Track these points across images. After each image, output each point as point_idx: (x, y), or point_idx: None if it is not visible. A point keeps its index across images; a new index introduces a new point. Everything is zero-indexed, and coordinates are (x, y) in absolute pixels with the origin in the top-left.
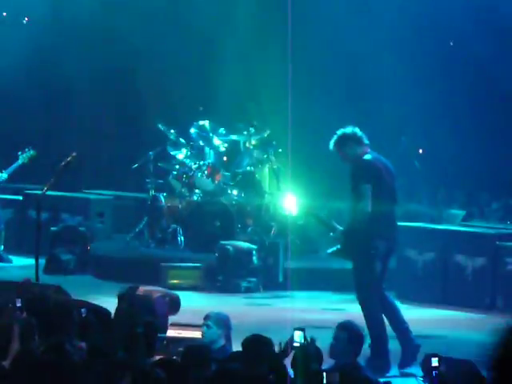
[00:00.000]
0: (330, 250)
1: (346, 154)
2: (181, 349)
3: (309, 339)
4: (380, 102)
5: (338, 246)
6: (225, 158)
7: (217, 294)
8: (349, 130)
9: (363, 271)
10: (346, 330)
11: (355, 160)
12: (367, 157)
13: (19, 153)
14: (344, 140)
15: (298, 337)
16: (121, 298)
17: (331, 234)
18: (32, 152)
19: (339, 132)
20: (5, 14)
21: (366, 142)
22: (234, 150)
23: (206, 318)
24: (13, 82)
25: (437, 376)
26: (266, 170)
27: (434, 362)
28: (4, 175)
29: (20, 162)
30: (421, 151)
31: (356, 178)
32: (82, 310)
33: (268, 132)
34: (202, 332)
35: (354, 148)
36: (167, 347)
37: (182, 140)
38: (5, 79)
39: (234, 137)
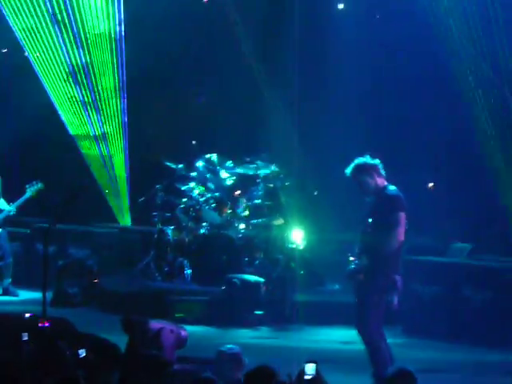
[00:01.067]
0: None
1: (367, 183)
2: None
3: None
4: (388, 134)
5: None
6: (238, 192)
7: (224, 327)
8: (370, 159)
9: (374, 303)
10: None
11: (377, 190)
12: (393, 187)
13: (27, 186)
14: (366, 168)
15: (311, 369)
16: (129, 332)
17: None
18: (40, 185)
19: (360, 160)
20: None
21: (384, 172)
22: (241, 183)
23: (219, 354)
24: None
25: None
26: (274, 203)
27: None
28: (12, 208)
29: (28, 195)
30: (431, 185)
31: (386, 207)
32: (80, 351)
33: (275, 165)
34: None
35: (374, 178)
36: (174, 381)
37: (189, 173)
38: None
39: (241, 170)
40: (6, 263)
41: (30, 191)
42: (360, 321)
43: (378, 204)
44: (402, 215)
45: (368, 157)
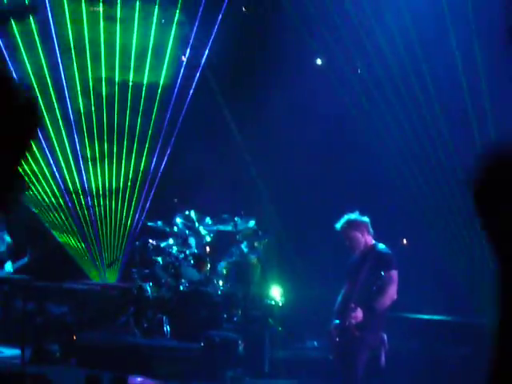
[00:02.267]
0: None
1: (357, 239)
2: None
3: None
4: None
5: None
6: (208, 249)
7: (203, 383)
8: (361, 216)
9: (363, 361)
10: None
11: (365, 248)
12: (382, 246)
13: (27, 250)
14: (357, 225)
15: None
16: None
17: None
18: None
19: (352, 216)
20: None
21: (372, 231)
22: (220, 240)
23: None
24: None
25: None
26: (252, 260)
27: None
28: (10, 269)
29: (28, 259)
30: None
31: (379, 265)
32: None
33: (254, 222)
34: None
35: (364, 235)
36: None
37: (168, 230)
38: None
39: (219, 227)
40: None
41: (29, 257)
42: (348, 378)
43: (368, 261)
44: (396, 273)
45: (358, 213)
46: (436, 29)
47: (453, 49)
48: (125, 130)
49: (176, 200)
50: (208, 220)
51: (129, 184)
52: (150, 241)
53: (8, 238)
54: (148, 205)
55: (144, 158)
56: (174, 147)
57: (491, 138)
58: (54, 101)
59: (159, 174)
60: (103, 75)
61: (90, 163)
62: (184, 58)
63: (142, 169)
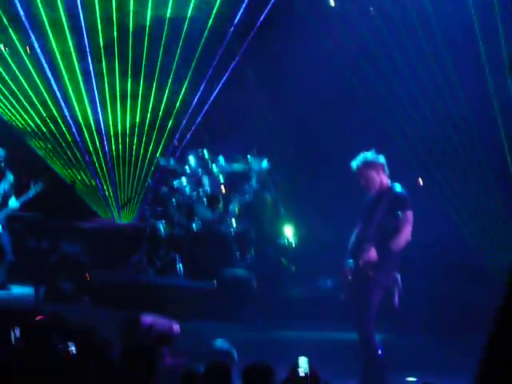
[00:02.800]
0: None
1: (373, 179)
2: None
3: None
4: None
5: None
6: (221, 188)
7: (216, 322)
8: (377, 155)
9: (376, 300)
10: None
11: (381, 188)
12: (399, 186)
13: (31, 183)
14: (373, 164)
15: (303, 363)
16: (124, 335)
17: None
18: (42, 185)
19: (368, 155)
20: None
21: (388, 171)
22: (233, 179)
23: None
24: None
25: None
26: (265, 198)
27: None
28: (17, 204)
29: (32, 193)
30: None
31: (395, 206)
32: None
33: (267, 161)
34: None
35: (380, 174)
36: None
37: (180, 168)
38: None
39: (233, 166)
40: (6, 261)
41: (35, 189)
42: (361, 317)
43: (384, 202)
44: (411, 214)
45: (374, 152)
46: None
47: None
48: (142, 66)
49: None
50: (221, 159)
51: (147, 122)
52: (163, 179)
53: (10, 176)
54: (163, 142)
55: (166, 95)
56: (190, 86)
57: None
58: None
59: (175, 111)
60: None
61: (108, 101)
62: None
63: (162, 106)
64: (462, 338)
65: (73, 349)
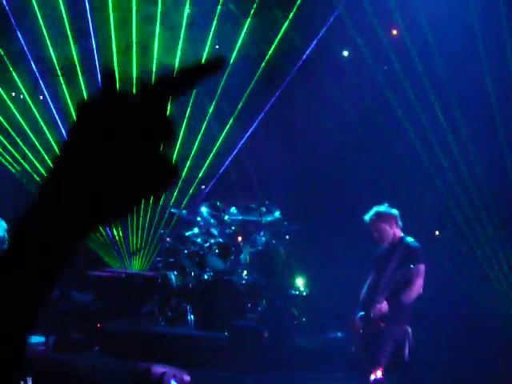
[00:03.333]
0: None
1: (386, 231)
2: None
3: None
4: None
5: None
6: (240, 238)
7: (227, 373)
8: (390, 208)
9: (387, 352)
10: None
11: (393, 240)
12: (411, 239)
13: None
14: (386, 217)
15: None
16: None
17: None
18: None
19: (381, 208)
20: None
21: (401, 223)
22: (245, 229)
23: None
24: None
25: None
26: (276, 249)
27: None
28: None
29: None
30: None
31: (407, 258)
32: None
33: (279, 211)
34: None
35: (393, 227)
36: None
37: (193, 219)
38: None
39: (245, 216)
40: None
41: None
42: (371, 370)
43: (397, 254)
44: (423, 267)
45: (387, 205)
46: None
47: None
48: None
49: (203, 187)
50: (233, 209)
51: None
52: (176, 230)
53: (3, 223)
54: (175, 193)
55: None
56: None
57: None
58: None
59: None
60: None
61: None
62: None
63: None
64: None
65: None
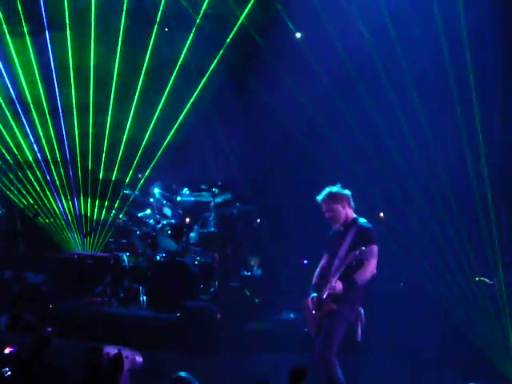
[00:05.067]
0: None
1: (338, 212)
2: None
3: None
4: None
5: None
6: (187, 219)
7: (179, 353)
8: (343, 189)
9: (339, 333)
10: None
11: (346, 221)
12: (363, 220)
13: None
14: (339, 197)
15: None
16: (86, 364)
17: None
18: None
19: (334, 188)
20: None
21: (353, 204)
22: (197, 210)
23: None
24: None
25: None
26: (228, 231)
27: None
28: None
29: None
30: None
31: (360, 239)
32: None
33: (231, 193)
34: None
35: (345, 208)
36: None
37: (145, 200)
38: None
39: (197, 197)
40: None
41: None
42: (324, 351)
43: (349, 235)
44: (376, 248)
45: (339, 186)
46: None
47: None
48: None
49: (140, 175)
50: (185, 190)
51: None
52: (128, 210)
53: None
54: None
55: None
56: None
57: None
58: None
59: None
60: None
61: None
62: None
63: (125, 137)
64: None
65: (8, 373)
